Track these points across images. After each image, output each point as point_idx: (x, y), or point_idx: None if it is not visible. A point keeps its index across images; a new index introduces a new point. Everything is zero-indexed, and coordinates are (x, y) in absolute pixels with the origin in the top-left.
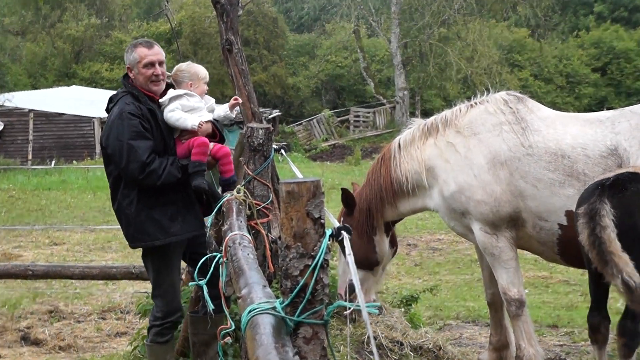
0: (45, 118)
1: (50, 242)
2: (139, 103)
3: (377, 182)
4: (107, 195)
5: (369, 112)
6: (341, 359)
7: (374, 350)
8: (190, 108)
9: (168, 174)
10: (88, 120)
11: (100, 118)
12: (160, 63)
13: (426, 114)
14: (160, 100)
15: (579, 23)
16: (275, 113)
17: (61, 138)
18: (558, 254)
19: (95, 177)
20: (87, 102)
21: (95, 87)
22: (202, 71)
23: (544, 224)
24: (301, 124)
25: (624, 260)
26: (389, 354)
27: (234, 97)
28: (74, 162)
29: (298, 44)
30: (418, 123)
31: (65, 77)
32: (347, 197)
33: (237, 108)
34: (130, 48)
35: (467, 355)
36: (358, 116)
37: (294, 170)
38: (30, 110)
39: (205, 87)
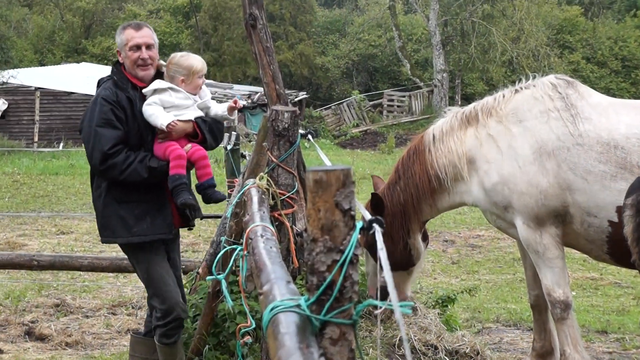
0: (52, 97)
1: (57, 231)
2: (118, 90)
3: (411, 180)
4: None
5: (404, 96)
6: None
7: (407, 353)
8: (170, 105)
9: (133, 171)
10: None
11: None
12: (148, 46)
13: (467, 99)
14: (143, 91)
15: (637, 1)
16: (302, 95)
17: (70, 119)
18: (607, 253)
19: None
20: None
21: (106, 64)
22: (196, 64)
23: (593, 220)
24: (330, 107)
25: None
26: (422, 358)
27: (234, 100)
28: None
29: (327, 21)
30: (455, 112)
31: (75, 53)
32: (377, 202)
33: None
34: (120, 30)
35: None
36: (392, 100)
37: (321, 157)
38: (36, 89)
39: (201, 81)
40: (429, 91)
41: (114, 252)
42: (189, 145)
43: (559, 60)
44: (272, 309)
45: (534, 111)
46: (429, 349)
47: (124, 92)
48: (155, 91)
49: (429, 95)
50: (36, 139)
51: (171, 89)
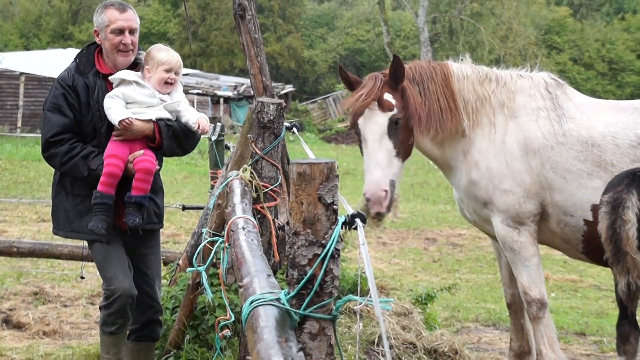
0: (37, 82)
1: (38, 218)
2: (76, 74)
3: (430, 91)
4: None
5: None
6: (348, 359)
7: (387, 351)
8: (132, 101)
9: (73, 165)
10: None
11: None
12: (132, 31)
13: None
14: (110, 78)
15: (625, 4)
16: (289, 88)
17: None
18: (583, 252)
19: None
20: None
21: None
22: (163, 56)
23: (569, 220)
24: (316, 101)
25: (636, 262)
26: (400, 356)
27: (202, 125)
28: None
29: (316, 14)
30: (475, 66)
31: (61, 39)
32: (398, 65)
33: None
34: (100, 9)
35: None
36: None
37: (306, 150)
38: (21, 73)
39: (166, 75)
40: None
41: None
42: (141, 151)
43: (546, 60)
44: (251, 302)
45: (527, 108)
46: (407, 347)
47: (83, 77)
48: (121, 82)
49: None
50: (19, 124)
51: (137, 83)
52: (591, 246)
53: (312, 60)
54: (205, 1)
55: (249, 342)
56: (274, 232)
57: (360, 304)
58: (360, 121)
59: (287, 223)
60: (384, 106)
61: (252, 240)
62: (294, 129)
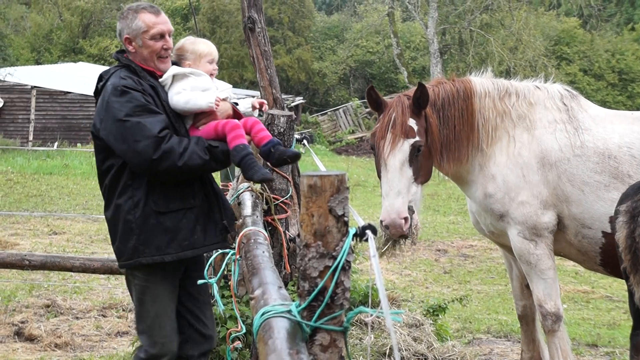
0: (48, 96)
1: (50, 231)
2: (137, 77)
3: (452, 112)
4: None
5: None
6: None
7: None
8: (200, 89)
9: (192, 153)
10: (95, 100)
11: None
12: (170, 34)
13: None
14: (160, 80)
15: (635, 15)
16: (299, 100)
17: (65, 118)
18: (600, 265)
19: None
20: (95, 80)
21: (103, 64)
22: (203, 47)
23: (587, 232)
24: (326, 113)
25: None
26: None
27: (260, 101)
28: (78, 145)
29: (326, 26)
30: (494, 80)
31: (72, 53)
32: (422, 92)
33: (264, 107)
34: (131, 14)
35: None
36: None
37: (316, 162)
38: (32, 87)
39: (210, 67)
40: None
41: (106, 253)
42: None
43: (556, 72)
44: (262, 314)
45: (543, 120)
46: (419, 358)
47: (144, 80)
48: (174, 78)
49: None
50: (31, 137)
51: (193, 73)
52: (609, 258)
53: (322, 72)
54: (215, 14)
55: (260, 354)
56: (285, 244)
57: (371, 315)
58: (382, 145)
59: (298, 235)
60: (407, 133)
61: (263, 252)
62: (305, 141)
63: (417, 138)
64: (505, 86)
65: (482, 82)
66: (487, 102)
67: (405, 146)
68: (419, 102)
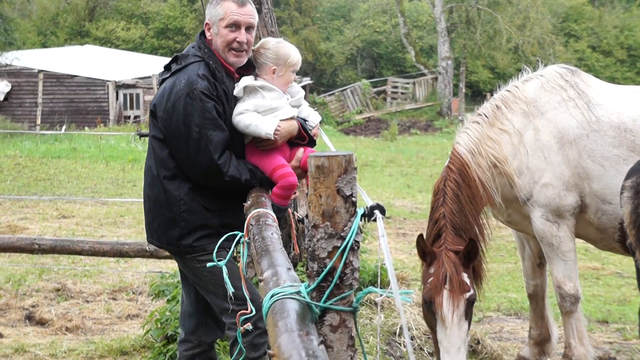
0: (55, 79)
1: (59, 215)
2: (214, 79)
3: (468, 205)
4: (121, 165)
5: (408, 83)
6: (369, 351)
7: (408, 342)
8: (266, 109)
9: (240, 181)
10: (102, 83)
11: (116, 81)
12: (249, 28)
13: (471, 86)
14: (235, 93)
15: None
16: (306, 81)
17: (72, 102)
18: (618, 241)
19: (109, 146)
20: (101, 63)
21: (110, 47)
22: (292, 55)
23: (607, 208)
24: (333, 94)
25: None
26: (422, 346)
27: (316, 131)
28: (86, 128)
29: (333, 6)
30: (474, 118)
31: (78, 36)
32: (473, 247)
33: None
34: (216, 0)
35: (508, 350)
36: (396, 87)
37: (326, 142)
38: (39, 71)
39: (292, 77)
40: (433, 78)
41: (115, 236)
42: (301, 150)
43: (564, 49)
44: (272, 296)
45: (552, 102)
46: (429, 337)
47: (220, 83)
48: (244, 90)
49: (433, 82)
50: (39, 121)
51: (263, 88)
52: None
53: (329, 53)
54: None
55: (270, 335)
56: (293, 225)
57: (380, 295)
58: (440, 302)
59: (307, 216)
60: (463, 288)
61: (272, 234)
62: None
63: (472, 292)
64: (490, 110)
65: (466, 142)
66: (479, 159)
67: (462, 302)
68: (470, 256)
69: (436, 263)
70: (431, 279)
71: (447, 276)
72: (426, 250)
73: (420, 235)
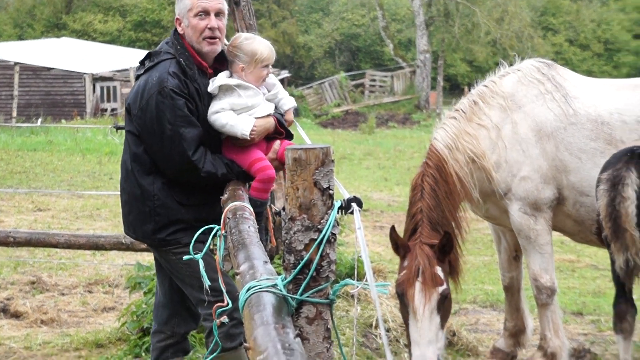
0: (32, 72)
1: (34, 208)
2: (184, 77)
3: (446, 201)
4: (98, 158)
5: (386, 77)
6: (346, 343)
7: (383, 334)
8: (242, 107)
9: (217, 174)
10: (79, 76)
11: (93, 74)
12: (218, 14)
13: (449, 79)
14: (209, 90)
15: None
16: (284, 74)
17: (49, 94)
18: (596, 234)
19: (85, 139)
20: (78, 56)
21: (87, 39)
22: (262, 50)
23: (585, 200)
24: (311, 87)
25: (635, 239)
26: (398, 338)
27: (291, 120)
28: (62, 121)
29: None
30: (451, 114)
31: (55, 28)
32: (448, 240)
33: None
34: None
35: (483, 342)
36: (374, 80)
37: (302, 135)
38: (15, 63)
39: (265, 72)
40: (411, 72)
41: (92, 229)
42: (278, 142)
43: (542, 42)
44: (248, 289)
45: (529, 95)
46: (405, 329)
47: (192, 81)
48: (220, 89)
49: (411, 75)
50: (14, 114)
51: (239, 86)
52: None
53: (307, 46)
54: None
55: (246, 329)
56: (270, 218)
57: (357, 288)
58: (412, 294)
59: (283, 208)
60: (436, 282)
61: (249, 227)
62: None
63: (445, 286)
64: (468, 105)
65: (443, 137)
66: (456, 154)
67: (434, 295)
68: (445, 249)
69: (410, 256)
70: (404, 271)
71: (419, 269)
72: (399, 242)
73: (392, 228)
